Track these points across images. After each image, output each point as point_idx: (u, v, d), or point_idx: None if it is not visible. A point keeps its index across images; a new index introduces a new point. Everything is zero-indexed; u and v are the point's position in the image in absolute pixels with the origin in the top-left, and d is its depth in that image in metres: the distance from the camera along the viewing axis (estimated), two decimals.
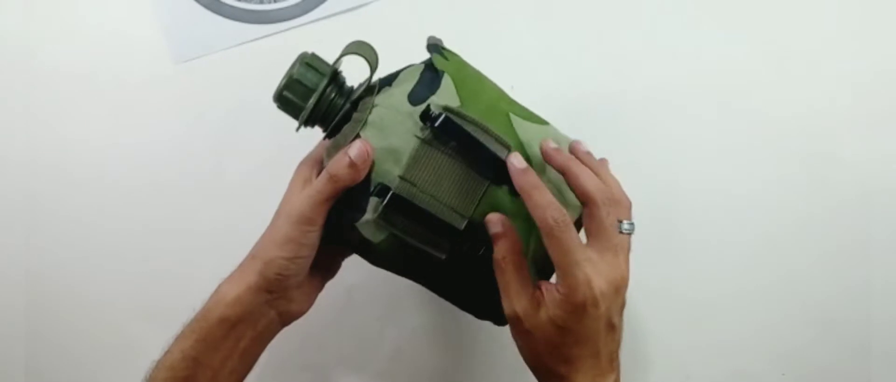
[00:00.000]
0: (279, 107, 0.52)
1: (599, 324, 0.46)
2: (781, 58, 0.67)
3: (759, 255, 0.69)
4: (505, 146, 0.50)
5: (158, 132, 0.72)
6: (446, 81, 0.51)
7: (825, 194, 0.68)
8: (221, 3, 0.71)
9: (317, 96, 0.51)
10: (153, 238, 0.73)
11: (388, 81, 0.52)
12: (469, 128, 0.49)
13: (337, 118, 0.52)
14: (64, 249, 0.74)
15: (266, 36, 0.70)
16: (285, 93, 0.51)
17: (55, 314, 0.75)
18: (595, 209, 0.47)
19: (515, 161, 0.48)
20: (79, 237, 0.74)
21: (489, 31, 0.69)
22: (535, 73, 0.69)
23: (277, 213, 0.52)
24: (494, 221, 0.49)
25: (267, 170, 0.69)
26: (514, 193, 0.49)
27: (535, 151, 0.51)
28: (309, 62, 0.51)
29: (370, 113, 0.50)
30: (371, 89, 0.52)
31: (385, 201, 0.48)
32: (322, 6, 0.69)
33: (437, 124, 0.48)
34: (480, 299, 0.53)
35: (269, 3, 0.70)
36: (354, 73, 0.53)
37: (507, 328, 0.50)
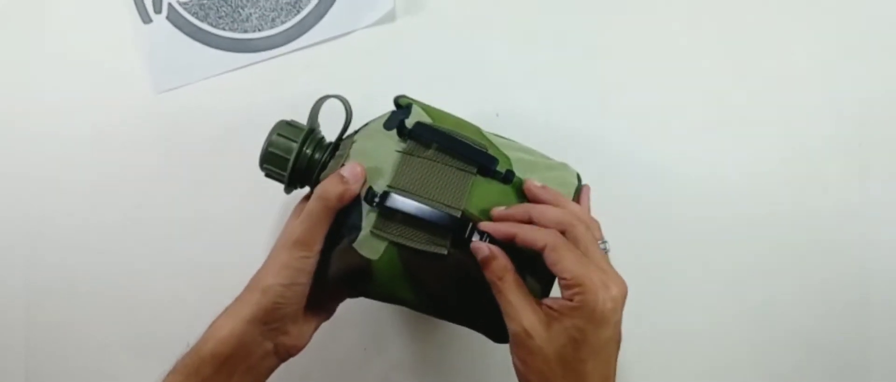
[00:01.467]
0: (267, 177, 0.56)
1: (614, 335, 0.46)
2: (767, 84, 0.68)
3: (744, 281, 0.69)
4: (482, 145, 0.52)
5: (140, 163, 0.71)
6: (415, 109, 0.53)
7: (812, 221, 0.68)
8: (205, 31, 0.70)
9: (292, 161, 0.54)
10: (136, 271, 0.72)
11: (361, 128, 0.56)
12: (444, 130, 0.52)
13: (318, 172, 0.55)
14: (44, 281, 0.73)
15: (250, 64, 0.70)
16: (266, 166, 0.55)
17: (42, 349, 0.73)
18: (574, 231, 0.47)
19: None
20: (59, 269, 0.72)
21: (474, 59, 0.69)
22: (519, 100, 0.69)
23: (274, 245, 0.52)
24: (479, 247, 0.48)
25: (251, 200, 0.69)
26: (501, 181, 0.51)
27: (516, 158, 0.53)
28: (281, 132, 0.55)
29: (351, 148, 0.52)
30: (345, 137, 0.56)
31: (377, 201, 0.49)
32: (306, 35, 0.69)
33: (413, 132, 0.51)
34: (488, 311, 0.51)
35: (254, 31, 0.70)
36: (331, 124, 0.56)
37: (497, 353, 0.49)
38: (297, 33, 0.70)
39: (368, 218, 0.50)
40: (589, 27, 0.69)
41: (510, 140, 0.56)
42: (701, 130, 0.69)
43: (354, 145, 0.52)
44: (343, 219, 0.51)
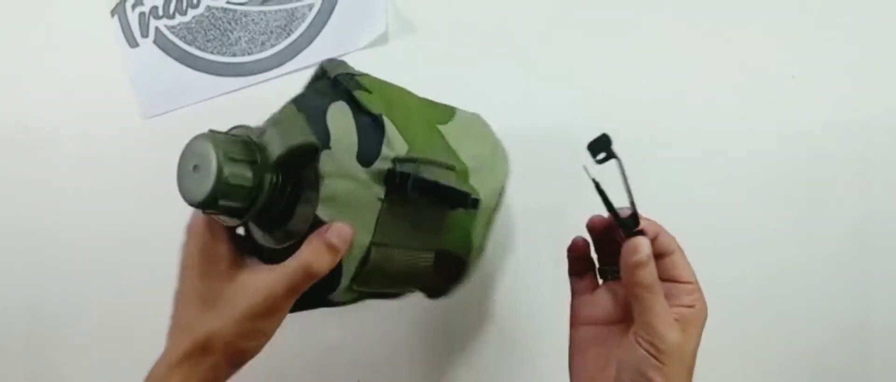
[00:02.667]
0: (209, 213, 0.45)
1: None
2: (768, 99, 0.67)
3: (745, 304, 0.68)
4: (451, 169, 0.49)
5: (128, 192, 0.70)
6: (388, 126, 0.47)
7: (816, 242, 0.67)
8: (193, 55, 0.69)
9: (261, 196, 0.44)
10: (125, 298, 0.71)
11: (318, 126, 0.46)
12: (427, 173, 0.47)
13: (280, 208, 0.45)
14: (32, 304, 0.71)
15: (240, 88, 0.69)
16: (221, 202, 0.43)
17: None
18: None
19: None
20: (48, 295, 0.71)
21: (466, 80, 0.68)
22: (512, 120, 0.67)
23: (220, 299, 0.45)
24: (638, 247, 0.45)
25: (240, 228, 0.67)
26: (466, 206, 0.48)
27: (464, 154, 0.51)
28: (230, 154, 0.43)
29: (320, 189, 0.45)
30: (303, 153, 0.45)
31: (363, 271, 0.46)
32: (297, 58, 0.68)
33: (399, 185, 0.46)
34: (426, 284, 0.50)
35: (243, 55, 0.69)
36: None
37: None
38: (288, 56, 0.68)
39: (347, 272, 0.46)
40: (582, 46, 0.68)
41: (448, 116, 0.54)
42: (702, 146, 0.67)
43: (325, 184, 0.45)
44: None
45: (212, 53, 0.69)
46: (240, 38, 0.69)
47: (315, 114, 0.46)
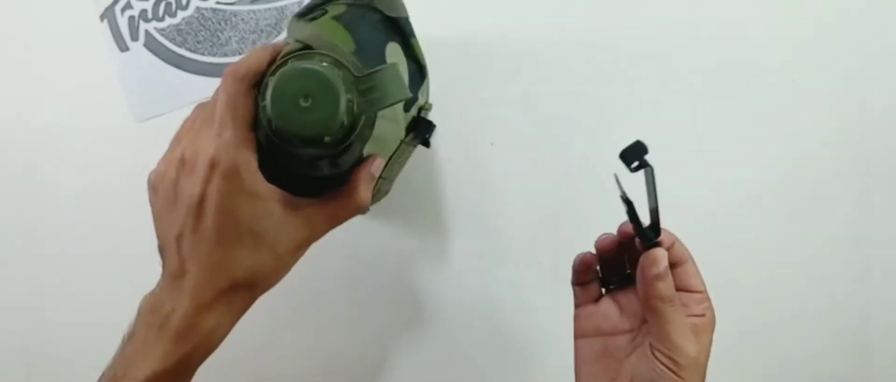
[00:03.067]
0: (311, 148, 0.41)
1: None
2: (770, 106, 0.66)
3: (745, 308, 0.67)
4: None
5: (123, 196, 0.69)
6: (426, 81, 0.51)
7: (816, 247, 0.67)
8: (184, 57, 0.69)
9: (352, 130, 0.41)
10: (122, 307, 0.70)
11: (372, 63, 0.44)
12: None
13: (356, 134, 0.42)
14: (26, 315, 0.71)
15: None
16: (327, 139, 0.40)
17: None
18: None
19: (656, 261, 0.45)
20: (43, 302, 0.71)
21: (465, 87, 0.68)
22: (513, 129, 0.67)
23: (264, 235, 0.42)
24: (657, 259, 0.44)
25: None
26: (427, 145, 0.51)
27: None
28: (347, 86, 0.39)
29: (376, 127, 0.43)
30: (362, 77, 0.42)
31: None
32: None
33: (422, 130, 0.49)
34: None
35: (234, 55, 0.68)
36: None
37: None
38: None
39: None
40: (584, 53, 0.67)
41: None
42: (703, 153, 0.67)
43: (378, 128, 0.43)
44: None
45: (203, 54, 0.69)
46: (230, 38, 0.69)
47: (370, 48, 0.45)
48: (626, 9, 0.66)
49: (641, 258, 0.45)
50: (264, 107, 0.39)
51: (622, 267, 0.49)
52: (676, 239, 0.46)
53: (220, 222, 0.41)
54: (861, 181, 0.65)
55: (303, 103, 0.38)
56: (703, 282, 0.46)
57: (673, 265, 0.45)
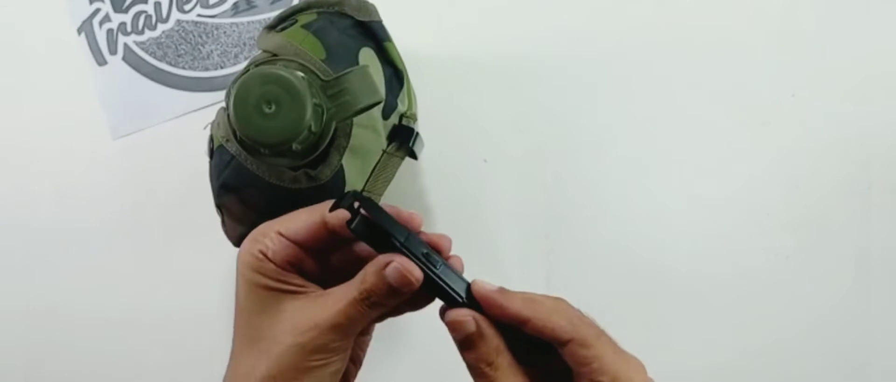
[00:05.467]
0: (273, 156, 0.40)
1: None
2: (769, 122, 0.65)
3: (744, 333, 0.66)
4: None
5: (100, 215, 0.68)
6: (406, 85, 0.49)
7: (819, 256, 0.65)
8: (164, 71, 0.67)
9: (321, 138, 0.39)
10: (100, 328, 0.68)
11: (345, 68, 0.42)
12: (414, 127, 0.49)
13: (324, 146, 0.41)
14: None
15: (213, 104, 0.67)
16: (296, 145, 0.38)
17: None
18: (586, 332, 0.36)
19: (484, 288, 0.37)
20: (18, 322, 0.69)
21: (459, 103, 0.66)
22: (506, 146, 0.66)
23: (264, 337, 0.38)
24: (460, 320, 0.36)
25: (224, 247, 0.65)
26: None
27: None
28: (313, 92, 0.38)
29: (352, 137, 0.42)
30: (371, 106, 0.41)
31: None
32: None
33: (404, 139, 0.47)
34: None
35: (216, 69, 0.67)
36: None
37: None
38: None
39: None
40: (578, 69, 0.66)
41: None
42: (700, 172, 0.66)
43: (354, 138, 0.42)
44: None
45: (183, 68, 0.67)
46: (212, 51, 0.67)
47: (342, 54, 0.44)
48: (620, 24, 0.65)
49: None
50: (228, 116, 0.38)
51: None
52: (535, 311, 0.36)
53: (236, 323, 0.40)
54: (863, 198, 0.64)
55: (266, 110, 0.37)
56: (615, 369, 0.35)
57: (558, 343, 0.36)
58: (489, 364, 0.36)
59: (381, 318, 0.41)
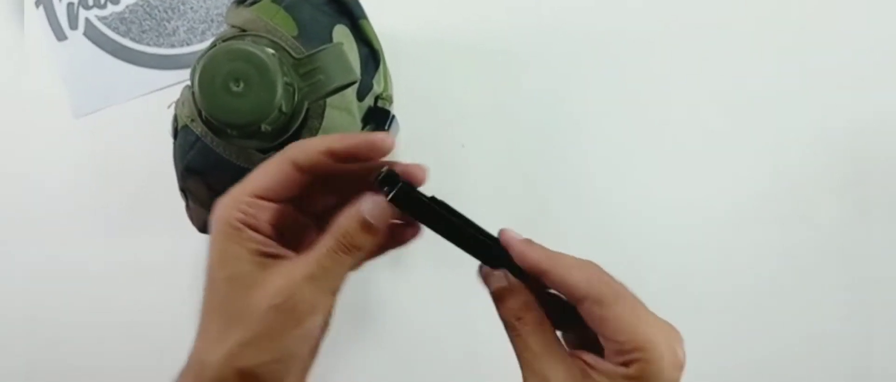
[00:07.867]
0: (240, 136, 0.39)
1: None
2: (754, 115, 0.65)
3: (734, 329, 0.65)
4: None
5: (61, 196, 0.66)
6: (382, 65, 0.49)
7: (803, 262, 0.65)
8: (127, 48, 0.65)
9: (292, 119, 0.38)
10: (58, 318, 0.66)
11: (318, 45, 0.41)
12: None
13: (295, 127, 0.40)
14: None
15: (179, 83, 0.65)
16: (265, 126, 0.37)
17: None
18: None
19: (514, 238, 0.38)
20: None
21: (438, 88, 0.65)
22: (484, 131, 0.65)
23: (243, 310, 0.35)
24: (493, 275, 0.38)
25: (188, 232, 0.64)
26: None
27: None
28: (284, 70, 0.37)
29: (325, 119, 0.41)
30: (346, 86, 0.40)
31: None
32: None
33: (379, 121, 0.47)
34: None
35: (181, 46, 0.65)
36: None
37: None
38: None
39: None
40: (560, 51, 0.65)
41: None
42: (683, 164, 0.65)
43: (327, 119, 0.41)
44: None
45: (148, 44, 0.65)
46: (178, 28, 0.65)
47: (315, 31, 0.43)
48: (604, 8, 0.65)
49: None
50: (193, 94, 0.37)
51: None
52: (555, 262, 0.36)
53: (206, 298, 0.37)
54: (851, 191, 0.65)
55: (234, 88, 0.36)
56: (632, 328, 0.34)
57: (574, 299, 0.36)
58: (518, 319, 0.37)
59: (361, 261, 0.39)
